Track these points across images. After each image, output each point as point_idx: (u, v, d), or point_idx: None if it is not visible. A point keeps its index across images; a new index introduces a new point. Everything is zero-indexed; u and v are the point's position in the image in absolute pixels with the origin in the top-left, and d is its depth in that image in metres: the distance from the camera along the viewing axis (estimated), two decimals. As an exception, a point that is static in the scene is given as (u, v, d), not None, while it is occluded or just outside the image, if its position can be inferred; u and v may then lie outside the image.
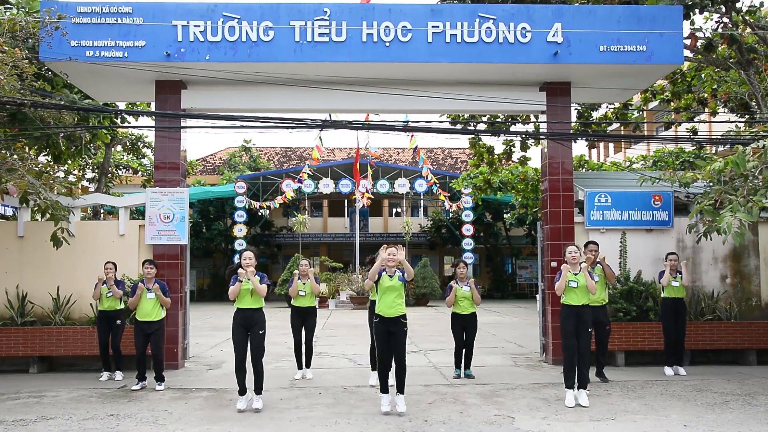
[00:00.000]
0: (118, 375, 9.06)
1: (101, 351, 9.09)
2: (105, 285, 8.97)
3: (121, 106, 14.08)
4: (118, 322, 9.07)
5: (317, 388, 8.40)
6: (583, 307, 7.49)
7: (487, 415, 6.84)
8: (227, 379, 9.05)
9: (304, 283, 9.08)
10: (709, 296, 10.23)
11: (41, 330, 9.55)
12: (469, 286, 9.04)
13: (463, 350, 9.15)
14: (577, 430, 6.26)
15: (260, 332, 7.23)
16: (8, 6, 9.58)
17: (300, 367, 9.21)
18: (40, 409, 7.23)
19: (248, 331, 7.23)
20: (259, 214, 32.87)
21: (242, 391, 7.21)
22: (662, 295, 9.36)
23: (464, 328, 9.15)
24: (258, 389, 7.24)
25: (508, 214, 31.99)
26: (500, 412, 7.00)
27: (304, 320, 9.14)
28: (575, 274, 7.51)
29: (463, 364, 9.15)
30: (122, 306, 9.13)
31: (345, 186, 28.32)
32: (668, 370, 9.18)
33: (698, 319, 10.00)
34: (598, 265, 8.68)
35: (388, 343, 6.97)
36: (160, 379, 8.44)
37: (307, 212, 34.13)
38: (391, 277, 7.05)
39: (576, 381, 7.40)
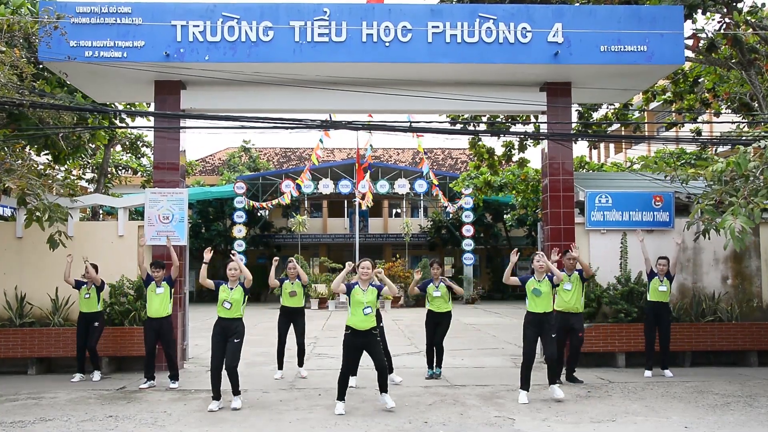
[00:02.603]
0: (96, 375, 9.06)
1: (78, 352, 9.08)
2: (85, 286, 9.01)
3: (120, 106, 14.05)
4: (96, 324, 9.07)
5: (317, 389, 8.38)
6: (545, 315, 7.64)
7: (487, 417, 6.82)
8: (226, 380, 8.98)
9: (292, 283, 9.20)
10: (710, 297, 10.19)
11: (40, 331, 9.51)
12: (440, 288, 8.97)
13: (434, 348, 9.18)
14: (577, 432, 6.24)
15: (236, 340, 7.34)
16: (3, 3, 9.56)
17: (280, 368, 9.28)
18: (39, 410, 7.19)
19: (225, 338, 7.32)
20: (259, 214, 32.86)
21: (216, 397, 7.27)
22: (647, 298, 9.35)
23: (437, 325, 9.12)
24: (235, 392, 7.33)
25: (509, 215, 32.03)
26: (500, 413, 6.98)
27: (293, 321, 9.25)
28: (539, 281, 7.65)
29: (434, 363, 9.20)
30: (100, 308, 9.15)
31: (345, 186, 28.28)
32: (647, 373, 9.12)
33: (699, 320, 9.97)
34: (575, 272, 8.68)
35: (356, 356, 7.18)
36: (174, 377, 8.53)
37: (306, 213, 34.09)
38: (364, 291, 7.09)
39: (547, 379, 7.74)
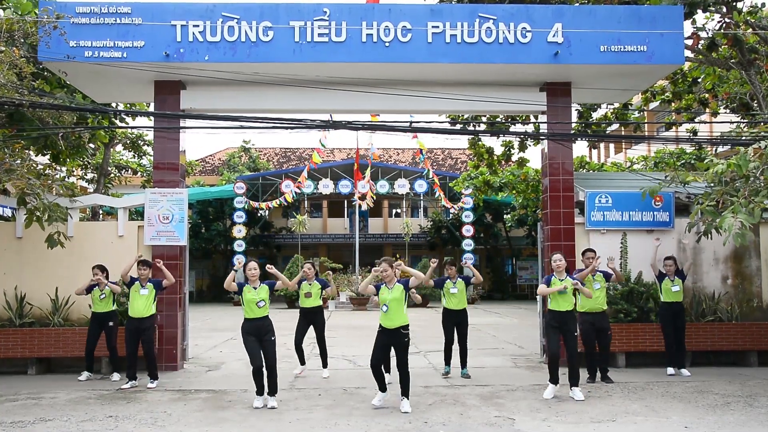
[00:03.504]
0: (115, 376, 9.06)
1: (87, 351, 9.07)
2: (98, 287, 9.00)
3: (120, 106, 14.05)
4: (111, 323, 9.08)
5: (317, 389, 8.37)
6: (568, 313, 7.74)
7: (487, 417, 6.81)
8: (226, 380, 9.03)
9: (309, 284, 9.27)
10: (710, 297, 10.19)
11: (40, 331, 9.50)
12: (457, 285, 9.06)
13: (457, 347, 9.19)
14: (578, 432, 6.23)
15: (272, 338, 7.39)
16: (4, 6, 9.56)
17: (303, 363, 9.41)
18: (39, 410, 7.19)
19: (259, 339, 7.33)
20: (259, 214, 32.85)
21: (260, 392, 7.34)
22: (661, 299, 9.40)
23: (456, 324, 9.18)
24: (272, 391, 7.36)
25: (509, 215, 32.00)
26: (500, 413, 6.97)
27: (312, 321, 9.37)
28: (561, 280, 7.75)
29: (459, 363, 9.18)
30: (114, 307, 9.16)
31: (345, 186, 28.27)
32: (670, 370, 9.24)
33: (699, 320, 9.97)
34: (599, 273, 8.66)
35: (385, 352, 7.14)
36: (153, 377, 8.53)
37: (306, 213, 34.08)
38: (390, 289, 7.11)
39: (568, 380, 7.76)
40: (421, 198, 32.35)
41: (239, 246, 28.19)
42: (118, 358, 9.12)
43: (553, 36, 9.38)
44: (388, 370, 8.26)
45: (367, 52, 9.32)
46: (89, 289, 9.05)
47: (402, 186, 28.67)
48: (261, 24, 9.25)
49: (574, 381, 7.74)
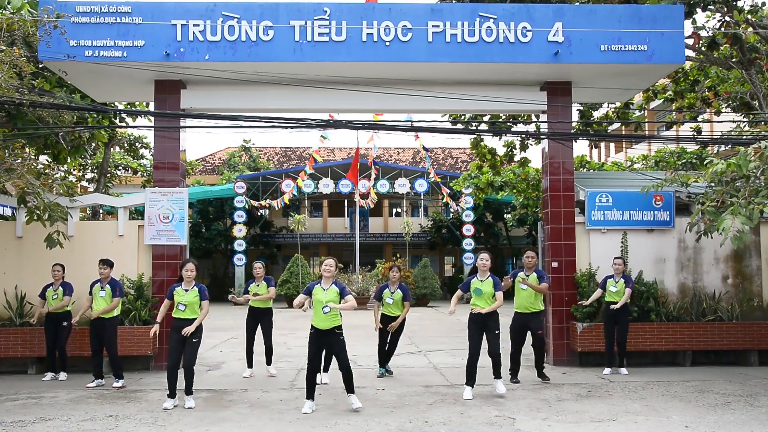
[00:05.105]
0: (62, 376, 9.08)
1: (47, 352, 9.15)
2: (52, 287, 9.07)
3: (120, 106, 14.04)
4: (65, 324, 9.10)
5: (317, 388, 8.35)
6: (487, 314, 7.72)
7: (488, 416, 6.81)
8: (226, 380, 9.03)
9: (258, 285, 9.27)
10: (710, 297, 10.19)
11: (40, 331, 9.47)
12: (394, 296, 9.03)
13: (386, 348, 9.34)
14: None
15: (194, 340, 7.35)
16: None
17: (250, 366, 9.32)
18: (39, 410, 7.19)
19: (184, 339, 7.30)
20: (259, 214, 32.82)
21: (172, 395, 7.27)
22: (605, 299, 9.44)
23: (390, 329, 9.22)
24: (188, 390, 7.33)
25: (509, 215, 32.00)
26: (501, 413, 6.97)
27: (258, 321, 9.30)
28: (481, 281, 7.79)
29: (386, 362, 9.31)
30: (69, 308, 9.18)
31: (345, 186, 28.28)
32: (606, 370, 9.28)
33: (699, 319, 9.97)
34: (534, 273, 8.70)
35: (318, 354, 7.10)
36: (117, 376, 8.55)
37: (306, 212, 34.07)
38: (324, 290, 7.04)
39: (492, 373, 7.95)
40: (422, 197, 32.34)
41: (239, 245, 28.20)
42: (66, 359, 9.16)
43: (554, 35, 9.38)
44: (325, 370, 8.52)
45: (368, 52, 9.32)
46: (43, 293, 9.13)
47: (402, 185, 28.66)
48: (261, 23, 9.25)
49: (496, 374, 7.88)
